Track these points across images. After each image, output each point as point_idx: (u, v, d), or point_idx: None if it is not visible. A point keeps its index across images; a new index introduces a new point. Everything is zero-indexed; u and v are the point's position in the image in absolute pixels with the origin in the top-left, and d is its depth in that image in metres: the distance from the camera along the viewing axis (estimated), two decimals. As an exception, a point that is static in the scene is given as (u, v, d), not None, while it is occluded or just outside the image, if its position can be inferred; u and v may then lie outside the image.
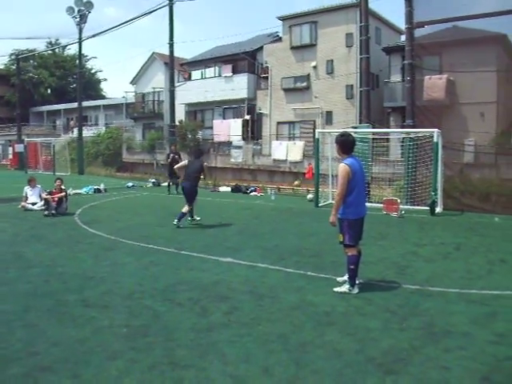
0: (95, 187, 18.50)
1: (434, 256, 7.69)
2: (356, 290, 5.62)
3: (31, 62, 52.27)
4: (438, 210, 12.62)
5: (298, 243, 8.65)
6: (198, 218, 10.82)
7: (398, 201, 12.20)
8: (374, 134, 14.90)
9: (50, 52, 53.41)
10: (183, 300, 5.33)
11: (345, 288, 5.64)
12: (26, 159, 33.71)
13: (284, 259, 7.34)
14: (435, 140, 12.40)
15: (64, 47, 53.32)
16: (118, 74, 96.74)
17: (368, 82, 15.90)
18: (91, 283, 5.97)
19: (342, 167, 5.56)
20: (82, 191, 18.07)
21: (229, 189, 20.13)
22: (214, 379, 3.49)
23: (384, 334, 4.41)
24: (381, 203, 13.06)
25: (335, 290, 5.67)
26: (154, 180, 23.04)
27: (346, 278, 5.97)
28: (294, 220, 11.63)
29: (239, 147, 28.95)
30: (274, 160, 26.90)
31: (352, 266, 5.63)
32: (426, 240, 9.10)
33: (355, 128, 15.69)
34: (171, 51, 23.64)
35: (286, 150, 26.45)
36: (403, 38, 29.36)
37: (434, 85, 20.38)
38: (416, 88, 15.53)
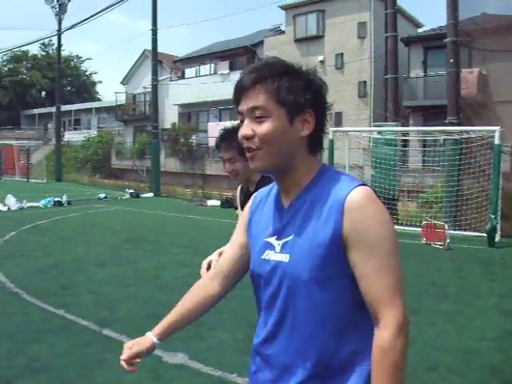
0: (56, 199, 15.00)
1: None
2: None
3: (24, 63, 49.57)
4: (497, 237, 9.16)
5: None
6: None
7: (446, 226, 8.73)
8: (404, 135, 11.51)
9: (43, 53, 50.47)
10: None
11: None
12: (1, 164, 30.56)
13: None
14: (496, 142, 8.96)
15: (45, 45, 49.62)
16: (111, 74, 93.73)
17: (396, 67, 12.44)
18: None
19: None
20: (40, 204, 14.70)
21: (218, 203, 16.55)
22: None
23: None
24: (418, 227, 9.67)
25: None
26: (131, 190, 19.60)
27: None
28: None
29: (237, 152, 25.70)
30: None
31: None
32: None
33: (379, 127, 12.22)
34: (154, 39, 20.70)
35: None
36: (420, 30, 26.40)
37: (463, 79, 17.10)
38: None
